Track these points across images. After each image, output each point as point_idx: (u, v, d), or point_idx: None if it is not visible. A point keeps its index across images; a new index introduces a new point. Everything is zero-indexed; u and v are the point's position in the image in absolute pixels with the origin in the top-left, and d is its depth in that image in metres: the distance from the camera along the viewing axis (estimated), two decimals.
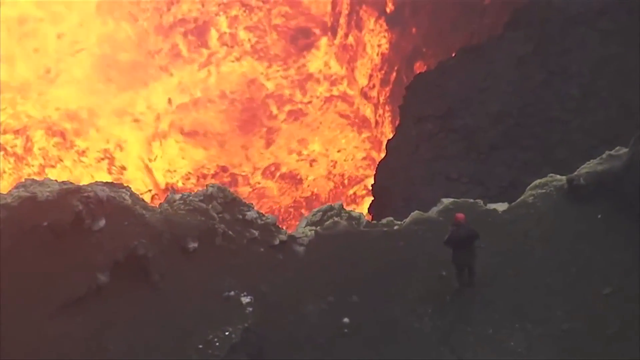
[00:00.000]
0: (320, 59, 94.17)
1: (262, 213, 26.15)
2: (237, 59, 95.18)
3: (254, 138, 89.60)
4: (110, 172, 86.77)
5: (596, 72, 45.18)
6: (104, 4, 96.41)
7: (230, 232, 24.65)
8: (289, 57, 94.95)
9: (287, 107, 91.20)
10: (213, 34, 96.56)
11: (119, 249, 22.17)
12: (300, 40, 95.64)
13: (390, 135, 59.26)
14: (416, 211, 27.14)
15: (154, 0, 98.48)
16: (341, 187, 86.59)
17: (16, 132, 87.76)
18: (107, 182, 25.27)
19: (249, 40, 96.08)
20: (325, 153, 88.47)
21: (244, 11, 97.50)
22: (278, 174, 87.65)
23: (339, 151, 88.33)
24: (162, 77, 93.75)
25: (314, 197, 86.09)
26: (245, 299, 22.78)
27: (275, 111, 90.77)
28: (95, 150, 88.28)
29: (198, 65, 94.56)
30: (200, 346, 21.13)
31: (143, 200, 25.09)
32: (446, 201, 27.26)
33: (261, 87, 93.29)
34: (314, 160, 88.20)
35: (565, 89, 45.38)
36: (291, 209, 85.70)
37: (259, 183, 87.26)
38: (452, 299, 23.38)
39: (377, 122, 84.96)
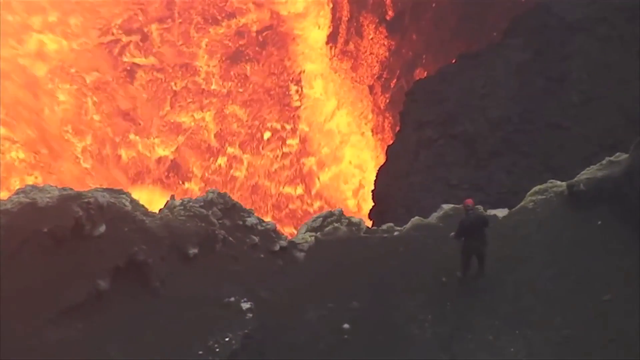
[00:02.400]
0: None
1: (262, 219, 26.17)
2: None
3: None
4: None
5: (596, 78, 45.28)
6: None
7: (230, 238, 24.67)
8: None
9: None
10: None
11: (119, 255, 22.17)
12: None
13: (391, 142, 59.32)
14: (416, 217, 27.18)
15: None
16: None
17: None
18: (107, 188, 25.29)
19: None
20: None
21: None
22: None
23: None
24: None
25: None
26: (246, 305, 22.76)
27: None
28: None
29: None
30: (201, 352, 21.11)
31: (143, 206, 25.08)
32: (446, 207, 27.30)
33: None
34: None
35: (565, 95, 45.48)
36: None
37: None
38: (452, 305, 23.37)
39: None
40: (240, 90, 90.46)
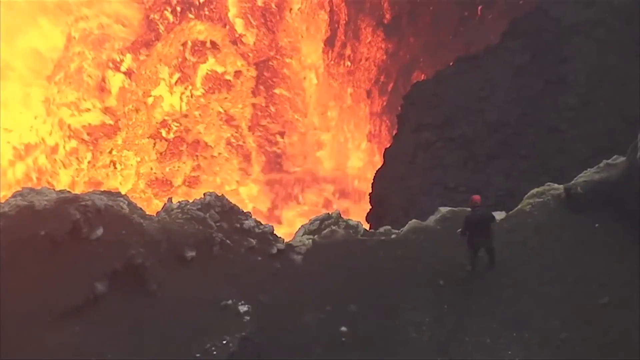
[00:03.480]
0: None
1: (259, 222, 26.13)
2: None
3: None
4: None
5: (593, 81, 45.26)
6: None
7: (227, 241, 24.65)
8: None
9: None
10: None
11: (117, 257, 22.15)
12: None
13: (388, 145, 59.31)
14: (413, 220, 27.16)
15: None
16: None
17: None
18: (104, 191, 25.27)
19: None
20: None
21: None
22: None
23: None
24: None
25: None
26: (243, 308, 22.76)
27: None
28: None
29: None
30: (198, 355, 21.11)
31: (141, 208, 25.06)
32: (443, 210, 27.28)
33: None
34: None
35: (563, 98, 45.47)
36: None
37: None
38: (450, 308, 23.36)
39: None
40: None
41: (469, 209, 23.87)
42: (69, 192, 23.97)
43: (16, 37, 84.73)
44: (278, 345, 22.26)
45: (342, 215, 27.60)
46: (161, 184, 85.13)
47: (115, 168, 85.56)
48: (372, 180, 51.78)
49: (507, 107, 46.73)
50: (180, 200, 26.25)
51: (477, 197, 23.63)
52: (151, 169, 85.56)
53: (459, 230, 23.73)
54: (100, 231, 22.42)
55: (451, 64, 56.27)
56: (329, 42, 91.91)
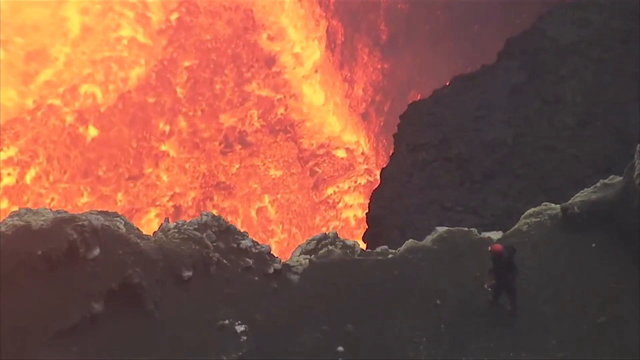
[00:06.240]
0: None
1: (256, 242, 26.10)
2: None
3: None
4: None
5: (590, 101, 45.39)
6: None
7: (224, 261, 24.61)
8: None
9: None
10: None
11: (114, 277, 22.10)
12: None
13: (385, 164, 59.31)
14: (410, 240, 27.11)
15: None
16: None
17: None
18: (101, 211, 25.23)
19: None
20: None
21: None
22: None
23: None
24: None
25: None
26: (240, 328, 22.70)
27: None
28: None
29: None
30: None
31: (138, 229, 25.03)
32: (440, 230, 27.23)
33: None
34: None
35: (560, 117, 45.57)
36: None
37: None
38: (447, 328, 23.31)
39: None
40: None
41: (491, 259, 22.81)
42: (65, 212, 23.94)
43: None
44: None
45: (338, 235, 27.59)
46: None
47: None
48: (369, 200, 51.74)
49: (503, 126, 46.82)
50: (177, 220, 26.22)
51: (497, 246, 22.75)
52: None
53: (490, 283, 23.13)
54: (97, 251, 22.37)
55: (448, 83, 56.45)
56: (326, 64, 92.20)
